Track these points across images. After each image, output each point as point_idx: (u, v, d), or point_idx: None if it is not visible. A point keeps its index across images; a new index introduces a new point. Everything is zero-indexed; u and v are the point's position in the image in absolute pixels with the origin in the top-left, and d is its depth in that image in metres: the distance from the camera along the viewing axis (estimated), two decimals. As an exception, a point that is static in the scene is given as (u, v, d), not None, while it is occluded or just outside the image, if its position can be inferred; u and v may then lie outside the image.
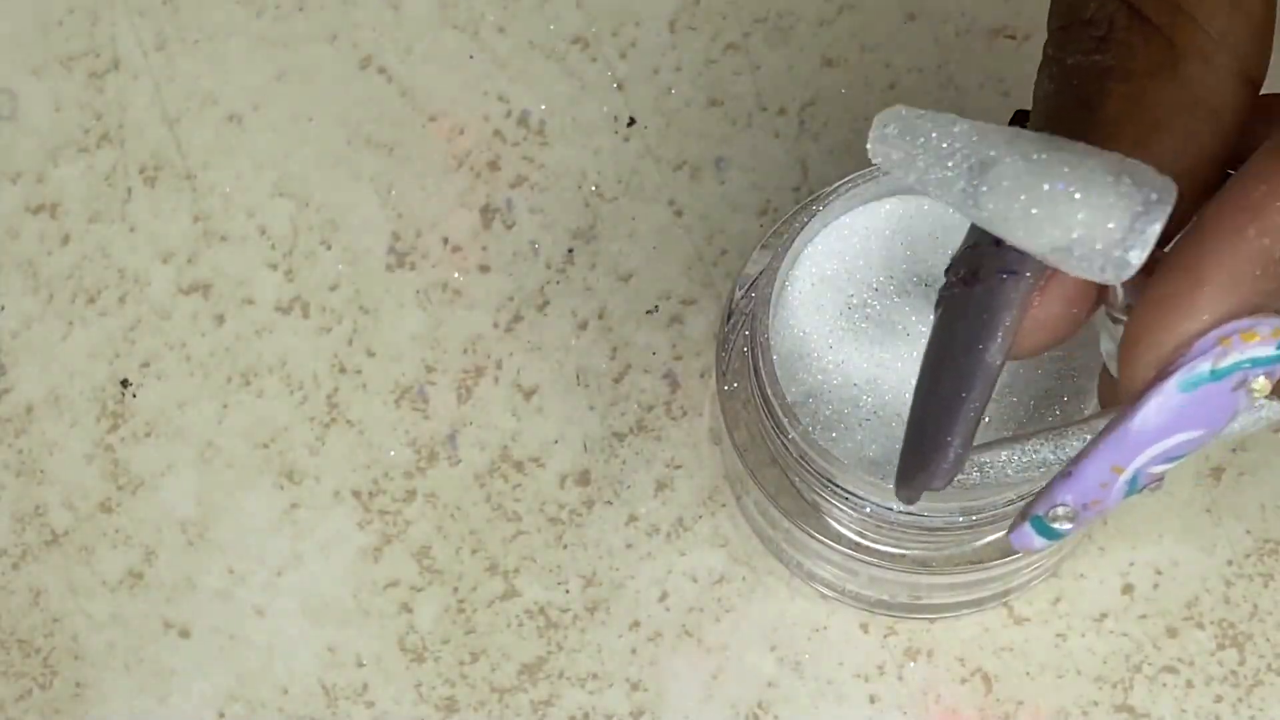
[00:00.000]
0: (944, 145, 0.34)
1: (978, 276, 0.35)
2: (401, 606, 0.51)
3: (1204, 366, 0.34)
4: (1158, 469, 0.35)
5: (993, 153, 0.34)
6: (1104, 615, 0.50)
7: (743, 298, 0.47)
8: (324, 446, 0.52)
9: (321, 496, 0.52)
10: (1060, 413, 0.45)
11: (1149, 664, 0.50)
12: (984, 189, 0.34)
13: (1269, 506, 0.50)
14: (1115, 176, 0.33)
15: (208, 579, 0.51)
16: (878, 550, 0.47)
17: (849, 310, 0.45)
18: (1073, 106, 0.35)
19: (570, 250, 0.53)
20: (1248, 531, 0.50)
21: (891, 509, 0.45)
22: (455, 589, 0.51)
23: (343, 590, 0.51)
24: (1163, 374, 0.34)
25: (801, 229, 0.45)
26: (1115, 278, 0.33)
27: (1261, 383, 0.34)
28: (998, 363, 0.36)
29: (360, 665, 0.50)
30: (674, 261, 0.52)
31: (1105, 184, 0.33)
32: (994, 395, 0.45)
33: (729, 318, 0.47)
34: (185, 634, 0.51)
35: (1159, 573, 0.50)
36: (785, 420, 0.44)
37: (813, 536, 0.47)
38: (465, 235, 0.53)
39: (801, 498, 0.47)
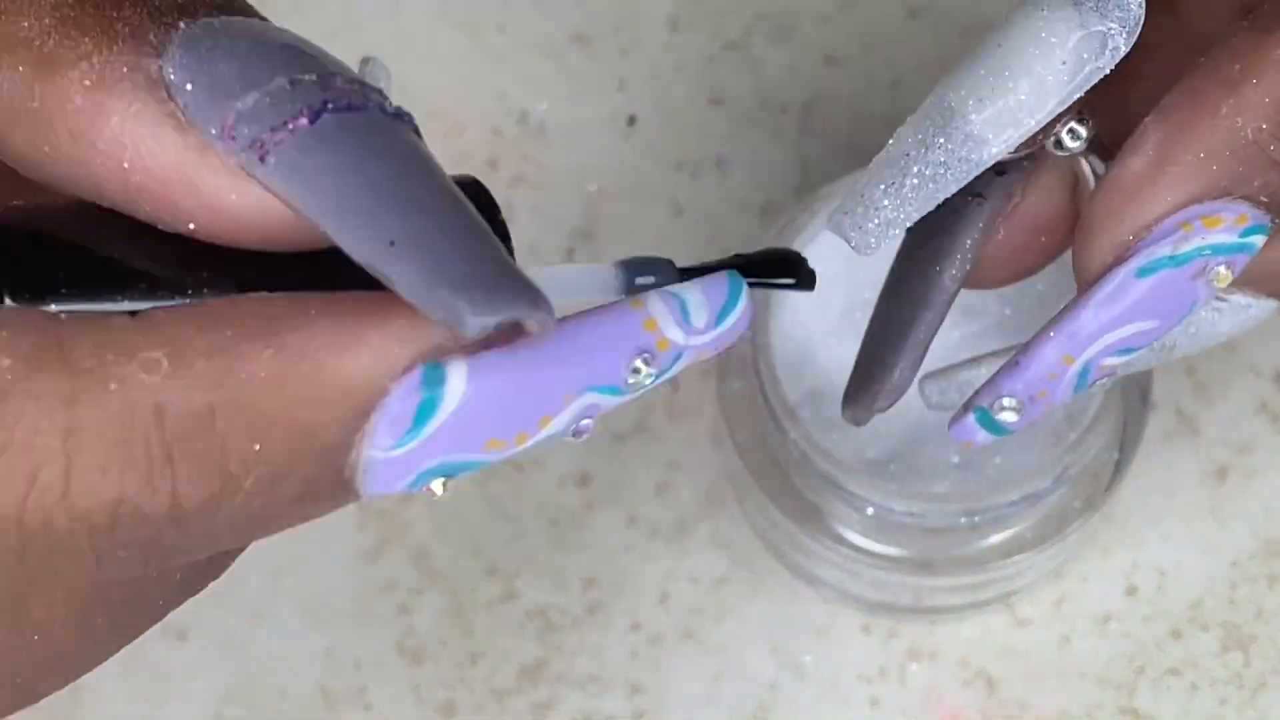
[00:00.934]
0: (903, 154, 0.34)
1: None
2: (400, 609, 0.51)
3: (1164, 251, 0.33)
4: (1110, 361, 0.34)
5: (942, 99, 0.33)
6: (1107, 617, 0.50)
7: None
8: (322, 448, 0.52)
9: (320, 498, 0.51)
10: (1070, 417, 0.45)
11: (1153, 666, 0.49)
12: (955, 124, 0.33)
13: (1273, 508, 0.50)
14: None
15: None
16: (880, 552, 0.46)
17: (850, 310, 0.45)
18: None
19: (570, 250, 0.52)
20: (1252, 533, 0.50)
21: (894, 510, 0.44)
22: (454, 591, 0.51)
23: (341, 592, 0.51)
24: (1120, 259, 0.33)
25: (803, 229, 0.45)
26: (1133, 30, 0.32)
27: (1223, 272, 0.33)
28: (954, 286, 0.35)
29: (358, 668, 0.50)
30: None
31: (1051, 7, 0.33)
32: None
33: None
34: (182, 637, 0.51)
35: (1163, 574, 0.50)
36: (786, 421, 0.44)
37: (814, 538, 0.47)
38: (464, 235, 0.52)
39: (803, 499, 0.46)
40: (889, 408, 0.36)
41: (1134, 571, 0.50)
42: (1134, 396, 0.46)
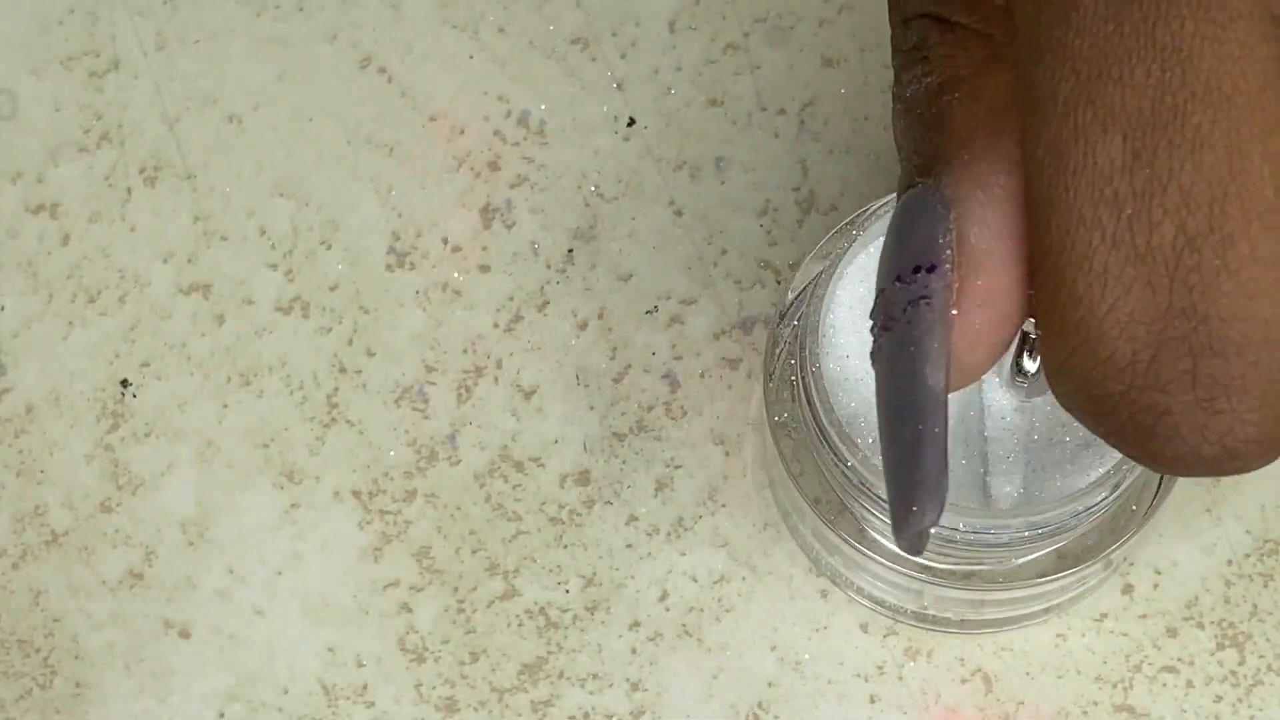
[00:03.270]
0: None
1: (892, 318, 0.34)
2: (401, 606, 0.51)
3: None
4: None
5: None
6: (1104, 615, 0.50)
7: (781, 325, 0.46)
8: (324, 446, 0.52)
9: (321, 496, 0.52)
10: (1069, 437, 0.45)
11: (1149, 664, 0.50)
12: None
13: (1269, 506, 0.50)
14: None
15: (208, 579, 0.51)
16: (943, 570, 0.46)
17: None
18: (924, 134, 0.34)
19: (570, 250, 0.53)
20: (1247, 531, 0.50)
21: (957, 529, 0.44)
22: (455, 589, 0.51)
23: (342, 590, 0.51)
24: None
25: (844, 253, 0.45)
26: None
27: None
28: (942, 385, 0.35)
29: (360, 665, 0.50)
30: (674, 261, 0.52)
31: None
32: (1013, 439, 0.45)
33: (774, 347, 0.46)
34: (185, 634, 0.51)
35: (1158, 572, 0.50)
36: (844, 448, 0.44)
37: (877, 561, 0.46)
38: (465, 235, 0.53)
39: (859, 523, 0.46)
40: (938, 519, 0.35)
41: (1130, 570, 0.50)
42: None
